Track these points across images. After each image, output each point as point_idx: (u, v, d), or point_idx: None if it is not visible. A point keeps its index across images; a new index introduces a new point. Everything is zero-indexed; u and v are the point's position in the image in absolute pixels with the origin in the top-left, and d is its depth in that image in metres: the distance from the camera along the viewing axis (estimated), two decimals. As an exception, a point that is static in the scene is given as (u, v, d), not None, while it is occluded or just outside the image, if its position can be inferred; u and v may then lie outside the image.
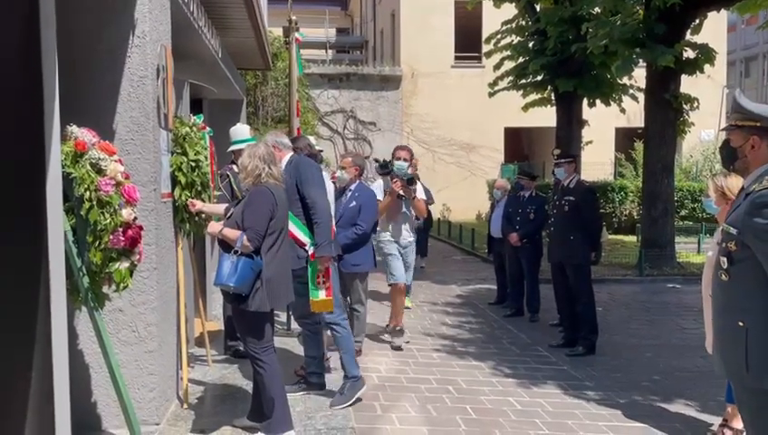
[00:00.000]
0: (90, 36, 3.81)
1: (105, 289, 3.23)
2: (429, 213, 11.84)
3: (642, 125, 11.99)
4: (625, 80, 13.39)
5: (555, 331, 6.89)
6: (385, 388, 4.95)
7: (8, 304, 2.56)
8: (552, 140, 24.03)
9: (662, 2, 9.93)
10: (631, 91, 13.75)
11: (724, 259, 2.50)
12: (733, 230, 2.47)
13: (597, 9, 11.58)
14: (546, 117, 15.91)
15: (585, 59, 12.48)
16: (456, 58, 21.54)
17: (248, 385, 4.90)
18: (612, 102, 13.97)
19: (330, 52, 29.01)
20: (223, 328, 5.79)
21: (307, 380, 4.76)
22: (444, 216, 19.23)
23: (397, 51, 22.25)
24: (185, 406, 4.37)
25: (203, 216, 4.63)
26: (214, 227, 3.92)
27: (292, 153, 4.69)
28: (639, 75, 12.16)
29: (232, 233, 3.72)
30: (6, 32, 2.55)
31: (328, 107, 21.05)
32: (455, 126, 20.95)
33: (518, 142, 23.55)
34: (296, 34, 6.02)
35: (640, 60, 10.93)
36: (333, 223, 4.75)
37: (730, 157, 2.64)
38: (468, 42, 20.88)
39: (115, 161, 3.15)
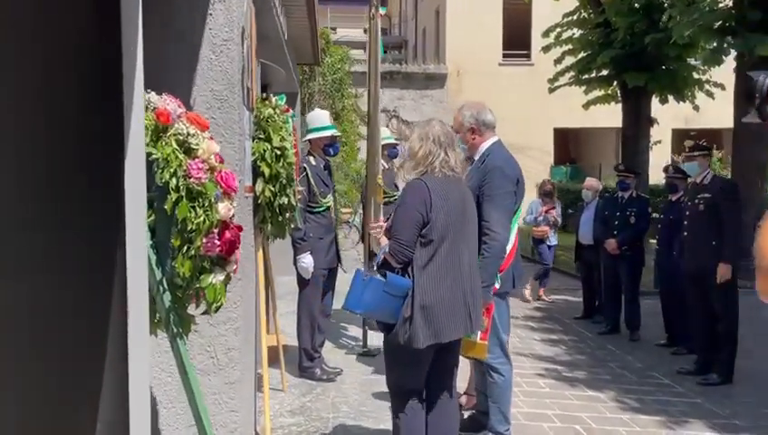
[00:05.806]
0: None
1: (190, 309, 2.44)
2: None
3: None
4: (700, 74, 12.46)
5: (665, 353, 6.02)
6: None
7: (79, 330, 1.81)
8: (602, 141, 22.83)
9: (758, -14, 8.97)
10: (707, 87, 12.74)
11: None
12: None
13: (678, -5, 10.60)
14: (597, 117, 15.03)
15: (658, 52, 11.52)
16: (504, 55, 20.60)
17: (335, 417, 4.11)
18: (686, 99, 12.94)
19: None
20: (297, 344, 5.00)
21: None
22: (491, 220, 18.31)
23: (441, 49, 21.39)
24: (267, 447, 3.59)
25: (287, 214, 3.84)
26: (383, 241, 3.04)
27: (495, 139, 3.85)
28: (715, 70, 11.16)
29: (384, 241, 2.94)
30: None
31: (369, 106, 20.30)
32: (502, 126, 19.48)
33: (565, 144, 22.52)
34: (379, 9, 5.26)
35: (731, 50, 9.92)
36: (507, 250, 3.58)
37: None
38: (516, 38, 19.96)
39: (207, 139, 2.36)
